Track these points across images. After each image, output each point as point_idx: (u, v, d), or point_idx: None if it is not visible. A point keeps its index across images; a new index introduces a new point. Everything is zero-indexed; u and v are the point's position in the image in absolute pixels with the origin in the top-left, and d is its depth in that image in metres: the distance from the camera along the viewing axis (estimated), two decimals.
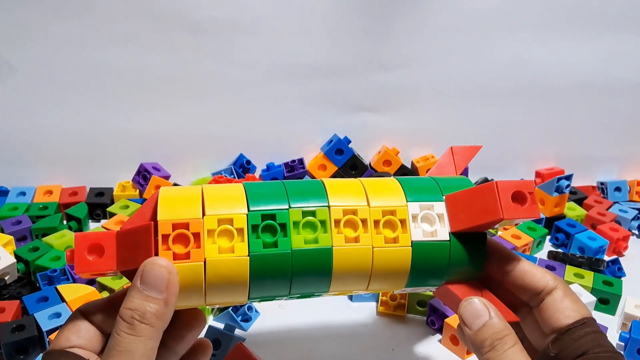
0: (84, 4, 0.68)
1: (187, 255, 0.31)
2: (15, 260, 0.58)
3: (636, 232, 0.74)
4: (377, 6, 0.73)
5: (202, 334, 0.53)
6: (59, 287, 0.56)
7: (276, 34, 0.73)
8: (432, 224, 0.36)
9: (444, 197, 0.36)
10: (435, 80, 0.78)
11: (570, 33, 0.76)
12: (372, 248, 0.34)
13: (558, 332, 0.34)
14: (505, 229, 0.72)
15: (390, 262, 0.35)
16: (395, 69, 0.77)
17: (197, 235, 0.31)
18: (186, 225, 0.31)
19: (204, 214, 0.32)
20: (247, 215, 0.33)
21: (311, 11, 0.72)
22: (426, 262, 0.35)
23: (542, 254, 0.68)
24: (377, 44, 0.75)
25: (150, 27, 0.70)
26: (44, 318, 0.51)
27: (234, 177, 0.77)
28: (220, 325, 0.54)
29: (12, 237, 0.64)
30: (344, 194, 0.35)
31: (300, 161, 0.80)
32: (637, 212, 0.75)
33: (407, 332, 0.55)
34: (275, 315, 0.57)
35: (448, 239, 0.35)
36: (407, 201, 0.36)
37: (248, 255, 0.32)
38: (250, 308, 0.57)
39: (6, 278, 0.58)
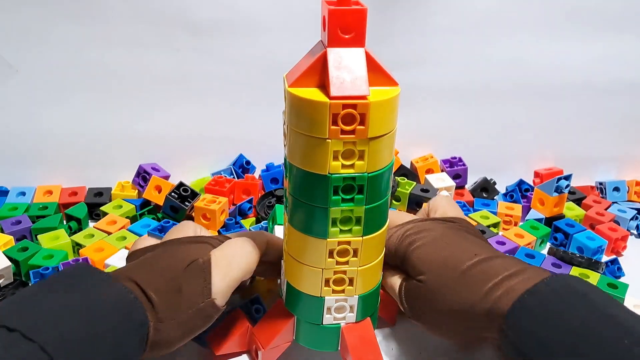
0: (84, 5, 0.68)
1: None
2: (10, 264, 0.58)
3: (635, 232, 0.74)
4: (376, 7, 0.73)
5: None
6: None
7: (276, 34, 0.73)
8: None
9: None
10: (435, 80, 0.78)
11: (569, 33, 0.76)
12: None
13: None
14: (504, 229, 0.72)
15: None
16: (394, 70, 0.76)
17: None
18: None
19: None
20: None
21: (311, 12, 0.72)
22: None
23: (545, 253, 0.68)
24: (377, 44, 0.75)
25: (149, 28, 0.70)
26: None
27: (234, 178, 0.77)
28: None
29: (12, 237, 0.64)
30: None
31: None
32: (635, 212, 0.75)
33: (407, 332, 0.55)
34: None
35: None
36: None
37: None
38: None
39: (1, 281, 0.58)
